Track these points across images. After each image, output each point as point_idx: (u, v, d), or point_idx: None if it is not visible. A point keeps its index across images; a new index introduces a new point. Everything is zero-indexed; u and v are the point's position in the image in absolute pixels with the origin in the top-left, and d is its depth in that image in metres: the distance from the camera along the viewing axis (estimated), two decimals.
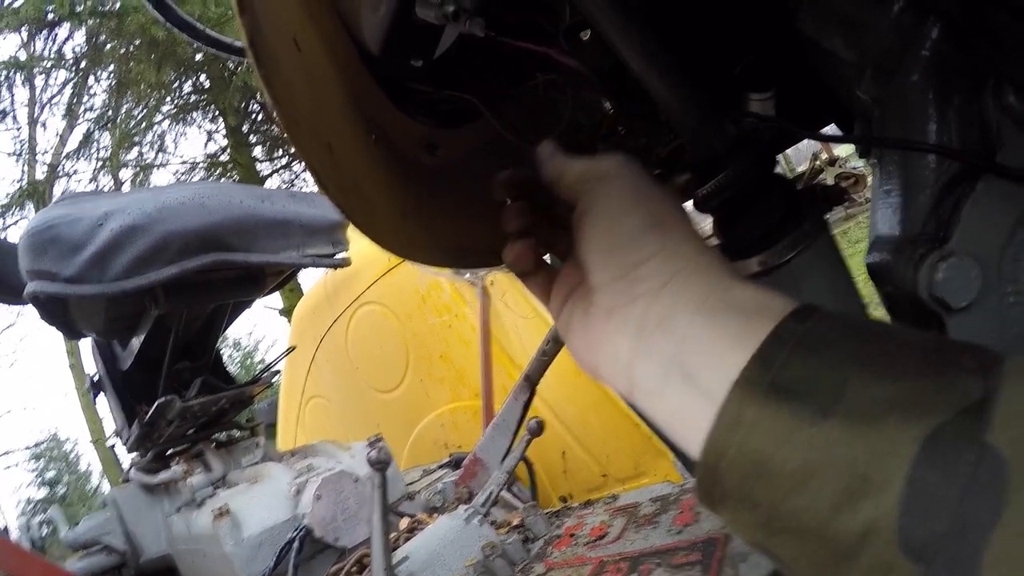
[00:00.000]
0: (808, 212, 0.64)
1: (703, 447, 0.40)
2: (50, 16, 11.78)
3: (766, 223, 0.63)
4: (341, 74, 0.59)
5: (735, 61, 0.79)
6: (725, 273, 0.47)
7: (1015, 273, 0.61)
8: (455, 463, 2.38)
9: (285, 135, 0.40)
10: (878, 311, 0.71)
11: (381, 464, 1.33)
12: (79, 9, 11.55)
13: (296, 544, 1.70)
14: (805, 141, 0.95)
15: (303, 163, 0.42)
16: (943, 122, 0.61)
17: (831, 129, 0.80)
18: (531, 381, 1.78)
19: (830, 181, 10.91)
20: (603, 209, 0.50)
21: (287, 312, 11.09)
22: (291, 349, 3.15)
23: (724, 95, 0.79)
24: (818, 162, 10.81)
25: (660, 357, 0.45)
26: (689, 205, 0.63)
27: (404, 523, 1.78)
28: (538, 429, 1.62)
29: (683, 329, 0.45)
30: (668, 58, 0.57)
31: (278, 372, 2.68)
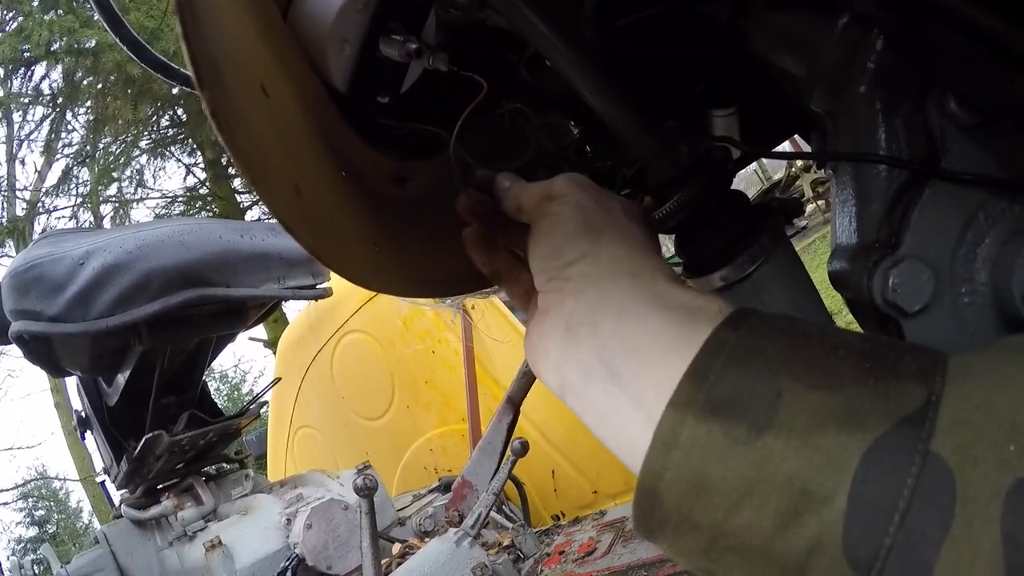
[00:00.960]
0: (766, 226, 0.66)
1: (640, 470, 0.39)
2: (26, 55, 11.76)
3: (724, 239, 0.65)
4: (310, 114, 0.60)
5: (696, 81, 0.81)
6: (659, 276, 0.46)
7: (968, 273, 0.62)
8: (445, 487, 2.38)
9: (247, 180, 0.41)
10: (846, 318, 0.73)
11: (367, 491, 1.34)
12: (55, 47, 11.53)
13: (289, 574, 1.70)
14: (782, 147, 0.98)
15: (271, 209, 0.43)
16: (891, 131, 0.63)
17: (786, 146, 0.83)
18: (514, 402, 1.79)
19: (806, 186, 11.03)
20: (548, 221, 0.51)
21: (272, 344, 11.02)
22: (276, 380, 3.14)
23: (687, 113, 0.81)
24: (794, 168, 10.92)
25: (585, 356, 0.45)
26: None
27: (396, 548, 1.79)
28: (522, 449, 1.64)
29: (608, 329, 0.44)
30: (619, 87, 0.60)
31: (265, 404, 2.68)
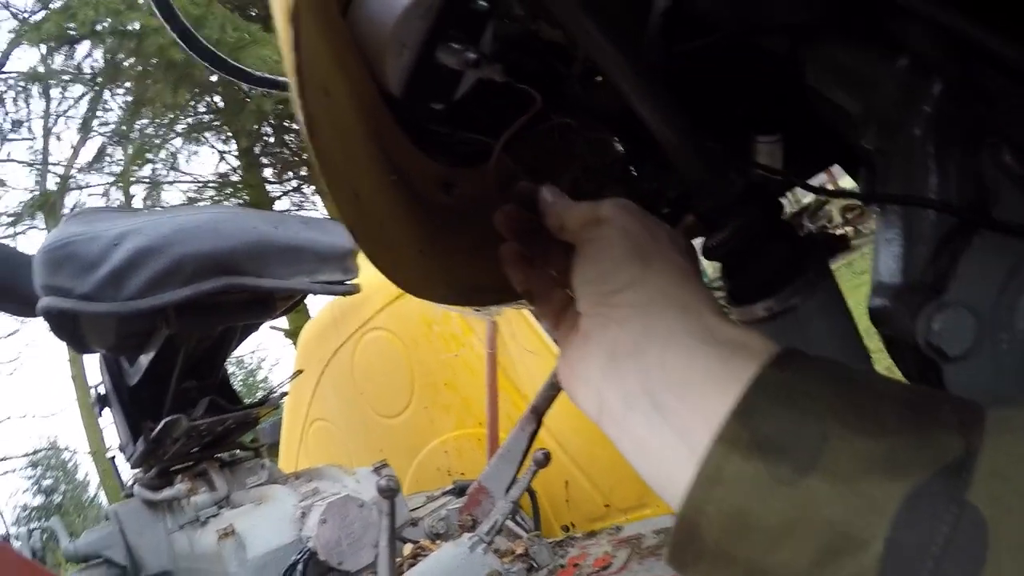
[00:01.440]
0: (812, 259, 0.66)
1: (682, 502, 0.39)
2: (71, 33, 11.95)
3: (771, 270, 0.65)
4: (365, 117, 0.61)
5: (742, 105, 0.81)
6: (705, 309, 0.47)
7: (1009, 321, 0.62)
8: (459, 490, 2.38)
9: (319, 185, 0.42)
10: (882, 355, 0.73)
11: (390, 492, 1.35)
12: (100, 28, 11.72)
13: (300, 567, 1.71)
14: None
15: (339, 215, 0.43)
16: (943, 176, 0.63)
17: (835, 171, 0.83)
18: (538, 412, 1.78)
19: (836, 212, 10.94)
20: (595, 246, 0.51)
21: (292, 334, 11.11)
22: (298, 372, 3.16)
23: (732, 138, 0.81)
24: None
25: (628, 384, 0.46)
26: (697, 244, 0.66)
27: (407, 549, 1.79)
28: (544, 460, 1.63)
29: (654, 358, 0.44)
30: (675, 108, 0.60)
31: (286, 394, 2.70)
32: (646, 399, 0.44)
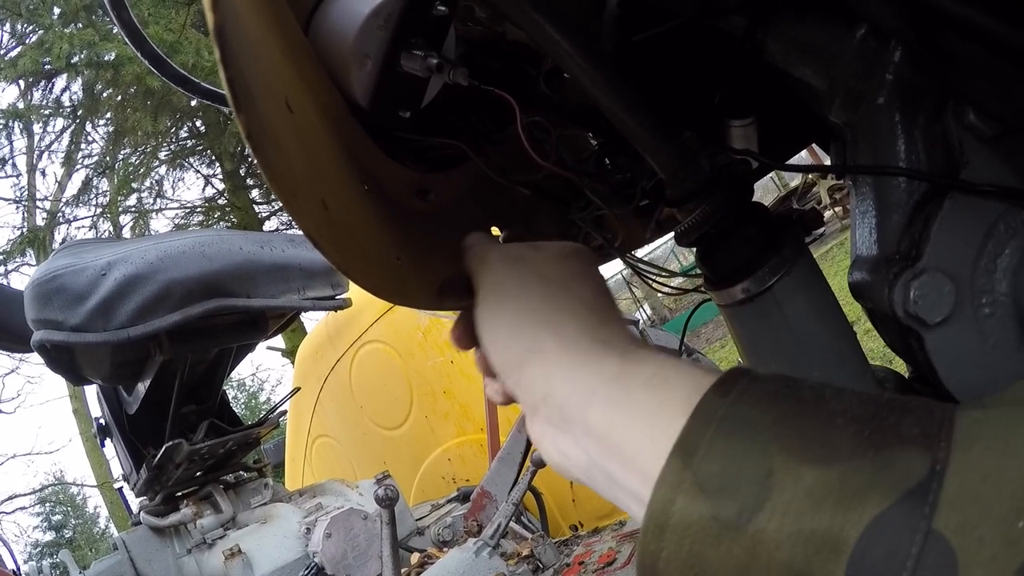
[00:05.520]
0: (786, 238, 0.67)
1: (638, 550, 0.37)
2: (47, 68, 11.93)
3: (745, 252, 0.65)
4: (333, 129, 0.61)
5: (714, 91, 0.82)
6: (615, 344, 0.45)
7: (989, 284, 0.62)
8: (463, 497, 2.39)
9: (279, 202, 0.41)
10: (865, 325, 0.73)
11: (389, 501, 1.35)
12: (75, 60, 11.70)
13: None
14: (800, 153, 0.98)
15: (300, 227, 0.43)
16: (910, 142, 0.63)
17: (803, 154, 0.83)
18: None
19: (823, 193, 10.98)
20: (483, 322, 0.51)
21: (290, 353, 11.08)
22: (296, 390, 3.16)
23: (705, 123, 0.81)
24: (810, 176, 10.87)
25: (574, 452, 0.44)
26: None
27: (415, 558, 1.79)
28: (542, 460, 1.64)
29: (581, 426, 0.43)
30: (638, 99, 0.60)
31: (284, 413, 2.70)
32: (595, 469, 0.43)
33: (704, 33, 0.70)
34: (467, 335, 0.56)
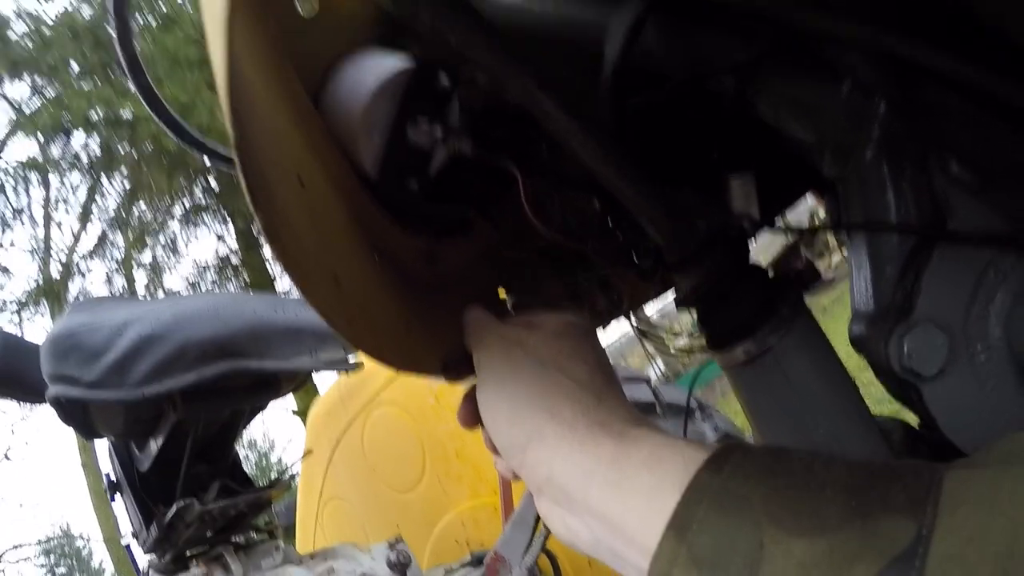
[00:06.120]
0: (785, 297, 0.68)
1: None
2: (66, 124, 12.17)
3: (743, 314, 0.67)
4: (343, 201, 0.63)
5: (711, 147, 0.84)
6: (612, 426, 0.47)
7: (983, 330, 0.63)
8: (476, 561, 2.36)
9: (291, 281, 0.42)
10: (868, 374, 0.73)
11: (401, 566, 1.34)
12: (93, 118, 11.93)
13: None
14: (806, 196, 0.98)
15: (312, 304, 0.43)
16: (899, 195, 0.64)
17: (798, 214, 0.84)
18: None
19: (831, 236, 10.92)
20: (484, 411, 0.54)
21: (302, 413, 11.03)
22: (308, 452, 3.15)
23: (704, 180, 0.83)
24: (817, 220, 10.84)
25: (587, 536, 0.46)
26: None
27: None
28: None
29: (581, 508, 0.45)
30: (635, 168, 0.62)
31: (295, 475, 2.68)
32: (600, 546, 0.45)
33: (697, 94, 0.73)
34: (472, 415, 0.59)
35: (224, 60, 0.35)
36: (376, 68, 0.65)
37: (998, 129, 0.59)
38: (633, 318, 1.00)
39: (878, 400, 0.86)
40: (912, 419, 0.79)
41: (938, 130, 0.63)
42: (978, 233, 0.62)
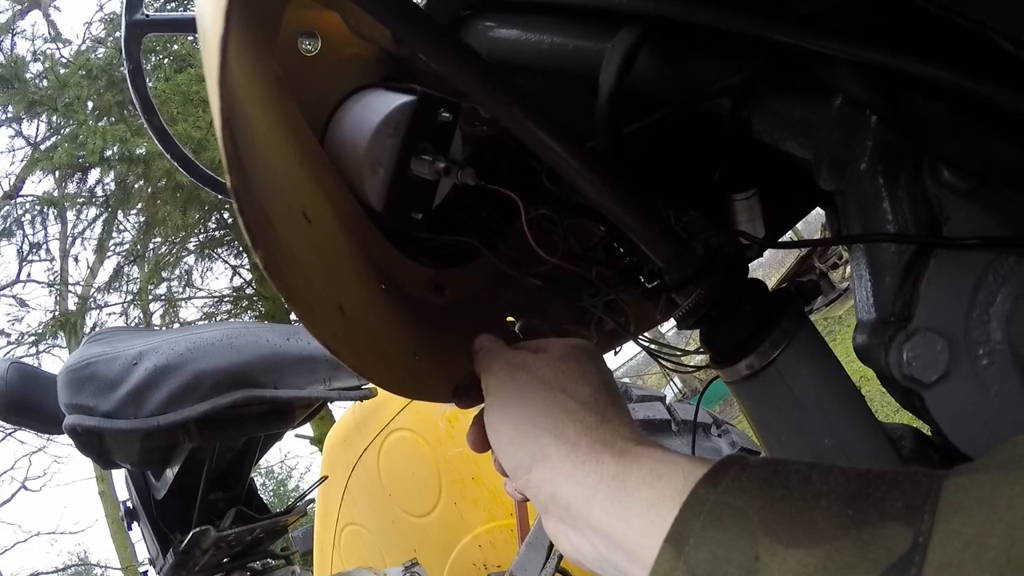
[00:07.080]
0: (785, 311, 0.69)
1: None
2: (81, 160, 12.29)
3: (744, 329, 0.68)
4: (350, 234, 0.64)
5: (713, 168, 0.85)
6: (614, 443, 0.48)
7: (984, 334, 0.63)
8: None
9: (295, 313, 0.43)
10: (873, 384, 0.73)
11: None
12: (108, 154, 12.05)
13: None
14: (814, 212, 0.99)
15: (317, 336, 0.44)
16: (895, 204, 0.65)
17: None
18: None
19: (841, 248, 10.88)
20: (491, 432, 0.55)
21: (318, 440, 11.03)
22: (324, 479, 3.16)
23: (708, 200, 0.84)
24: (826, 232, 10.79)
25: (592, 553, 0.47)
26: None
27: None
28: None
29: (585, 525, 0.46)
30: (632, 194, 0.63)
31: (312, 501, 2.69)
32: (604, 562, 0.46)
33: (694, 117, 0.74)
34: (482, 438, 0.60)
35: (218, 103, 0.35)
36: (379, 105, 0.67)
37: (988, 133, 0.60)
38: (645, 337, 1.01)
39: (897, 408, 0.87)
40: (924, 426, 0.80)
41: (926, 138, 0.63)
42: (974, 238, 0.62)
